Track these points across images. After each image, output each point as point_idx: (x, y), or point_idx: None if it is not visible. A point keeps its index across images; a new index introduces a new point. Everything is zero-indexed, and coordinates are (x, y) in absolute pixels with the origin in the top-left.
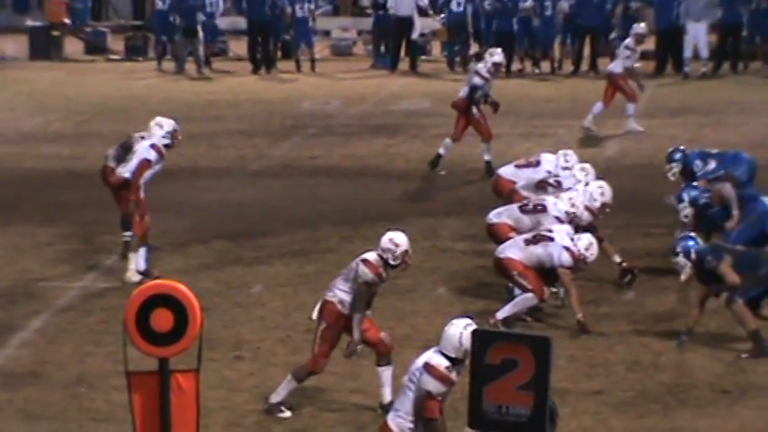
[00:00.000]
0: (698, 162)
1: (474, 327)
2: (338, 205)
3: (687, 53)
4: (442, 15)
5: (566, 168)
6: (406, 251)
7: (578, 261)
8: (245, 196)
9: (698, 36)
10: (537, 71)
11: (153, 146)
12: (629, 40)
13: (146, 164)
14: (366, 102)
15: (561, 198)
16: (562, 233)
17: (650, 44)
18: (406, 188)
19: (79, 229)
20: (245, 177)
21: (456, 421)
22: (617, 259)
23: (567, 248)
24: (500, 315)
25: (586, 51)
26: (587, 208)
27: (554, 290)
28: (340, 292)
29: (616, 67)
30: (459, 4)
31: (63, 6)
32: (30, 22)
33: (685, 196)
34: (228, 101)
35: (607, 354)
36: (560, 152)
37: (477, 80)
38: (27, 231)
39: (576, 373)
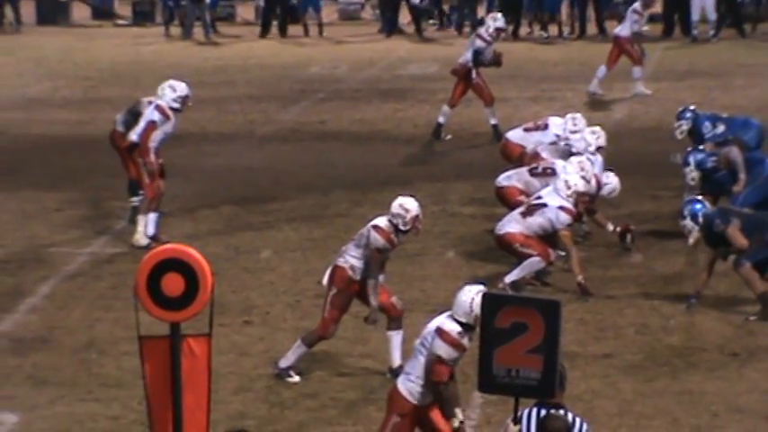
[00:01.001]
0: (707, 124)
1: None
2: (347, 170)
3: (695, 16)
4: None
5: (574, 132)
6: (417, 216)
7: (581, 202)
8: (254, 161)
9: None
10: (545, 35)
11: (157, 106)
12: (637, 4)
13: (151, 125)
14: (374, 66)
15: (571, 161)
16: (551, 195)
17: (657, 7)
18: (414, 152)
19: (88, 195)
20: (253, 142)
21: (466, 384)
22: (610, 227)
23: (561, 207)
24: (508, 279)
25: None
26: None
27: (561, 253)
28: (351, 258)
29: (623, 30)
30: None
31: None
32: None
33: (691, 159)
34: (237, 66)
35: (616, 317)
36: (568, 116)
37: (479, 43)
38: (35, 197)
39: (586, 337)
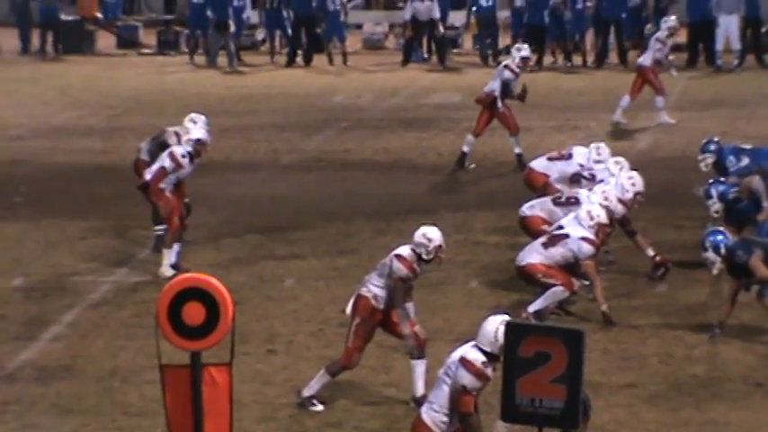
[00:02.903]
0: (731, 158)
1: None
2: (370, 199)
3: (719, 45)
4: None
5: (598, 162)
6: (440, 246)
7: (603, 233)
8: (278, 190)
9: (729, 28)
10: (569, 64)
11: (170, 154)
12: (659, 33)
13: (161, 171)
14: (398, 95)
15: (594, 191)
16: (573, 225)
17: (682, 37)
18: (437, 181)
19: (111, 223)
20: (277, 171)
21: (489, 414)
22: (650, 253)
23: (584, 238)
24: (532, 308)
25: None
26: (620, 200)
27: (585, 282)
28: (374, 288)
29: (646, 59)
30: None
31: (94, 1)
32: (62, 17)
33: (713, 191)
34: (261, 94)
35: (640, 347)
36: (592, 145)
37: (507, 74)
38: (59, 225)
39: (609, 366)
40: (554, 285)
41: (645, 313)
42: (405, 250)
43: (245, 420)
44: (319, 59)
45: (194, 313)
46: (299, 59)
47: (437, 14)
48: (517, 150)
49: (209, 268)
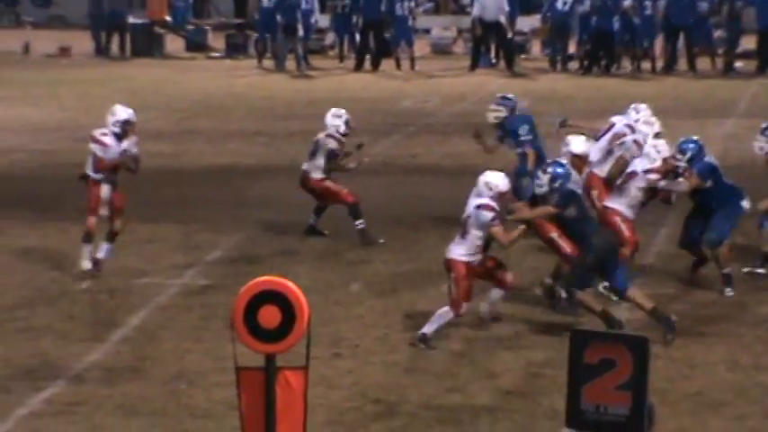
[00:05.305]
0: None
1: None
2: (438, 204)
3: None
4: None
5: (637, 121)
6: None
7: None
8: None
9: None
10: (637, 70)
11: (92, 137)
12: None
13: (95, 159)
14: (466, 100)
15: (641, 159)
16: (471, 202)
17: (752, 44)
18: None
19: (179, 227)
20: (344, 175)
21: (554, 421)
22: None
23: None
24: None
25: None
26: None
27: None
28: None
29: None
30: (564, 3)
31: (164, 4)
32: (132, 20)
33: None
34: (329, 99)
35: (706, 354)
36: (631, 106)
37: None
38: (128, 228)
39: (675, 374)
40: (622, 238)
41: (712, 321)
42: (482, 199)
43: (311, 424)
44: (387, 64)
45: (270, 316)
46: (366, 64)
47: (505, 16)
48: None
49: (275, 271)
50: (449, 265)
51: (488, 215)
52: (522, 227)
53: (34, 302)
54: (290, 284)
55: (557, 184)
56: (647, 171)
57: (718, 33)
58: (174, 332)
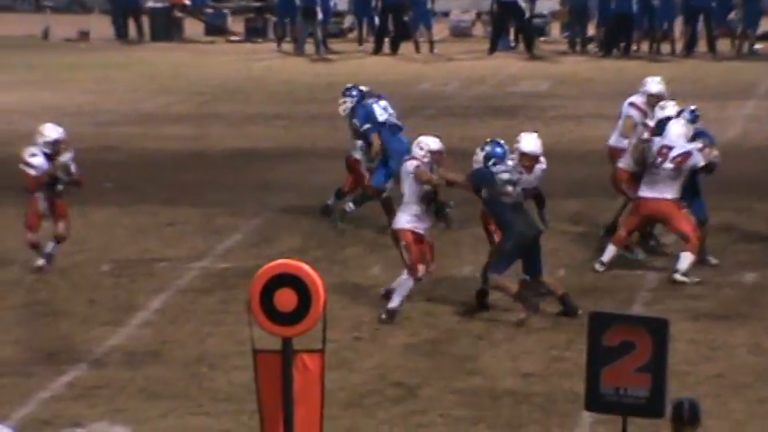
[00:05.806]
0: None
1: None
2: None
3: None
4: None
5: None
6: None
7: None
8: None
9: None
10: (657, 52)
11: (23, 160)
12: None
13: (31, 177)
14: (485, 83)
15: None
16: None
17: None
18: None
19: (199, 210)
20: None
21: (574, 404)
22: None
23: (406, 159)
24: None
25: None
26: None
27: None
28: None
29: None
30: None
31: None
32: (151, 4)
33: None
34: (348, 82)
35: (728, 337)
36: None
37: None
38: (149, 211)
39: (696, 356)
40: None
41: (734, 303)
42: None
43: (331, 407)
44: (406, 47)
45: (286, 299)
46: (386, 47)
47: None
48: None
49: (294, 254)
50: (395, 235)
51: (412, 163)
52: (435, 176)
53: (56, 287)
54: (306, 267)
55: (490, 163)
56: (701, 149)
57: (732, 15)
58: (195, 315)
